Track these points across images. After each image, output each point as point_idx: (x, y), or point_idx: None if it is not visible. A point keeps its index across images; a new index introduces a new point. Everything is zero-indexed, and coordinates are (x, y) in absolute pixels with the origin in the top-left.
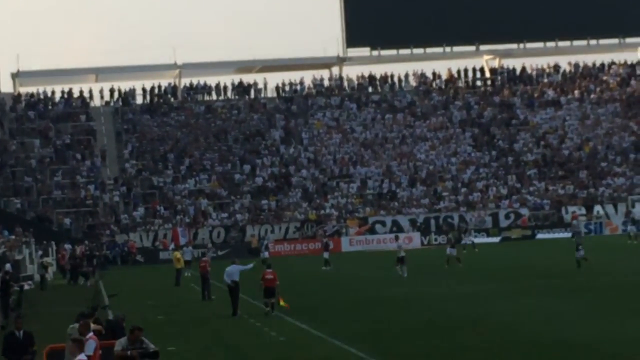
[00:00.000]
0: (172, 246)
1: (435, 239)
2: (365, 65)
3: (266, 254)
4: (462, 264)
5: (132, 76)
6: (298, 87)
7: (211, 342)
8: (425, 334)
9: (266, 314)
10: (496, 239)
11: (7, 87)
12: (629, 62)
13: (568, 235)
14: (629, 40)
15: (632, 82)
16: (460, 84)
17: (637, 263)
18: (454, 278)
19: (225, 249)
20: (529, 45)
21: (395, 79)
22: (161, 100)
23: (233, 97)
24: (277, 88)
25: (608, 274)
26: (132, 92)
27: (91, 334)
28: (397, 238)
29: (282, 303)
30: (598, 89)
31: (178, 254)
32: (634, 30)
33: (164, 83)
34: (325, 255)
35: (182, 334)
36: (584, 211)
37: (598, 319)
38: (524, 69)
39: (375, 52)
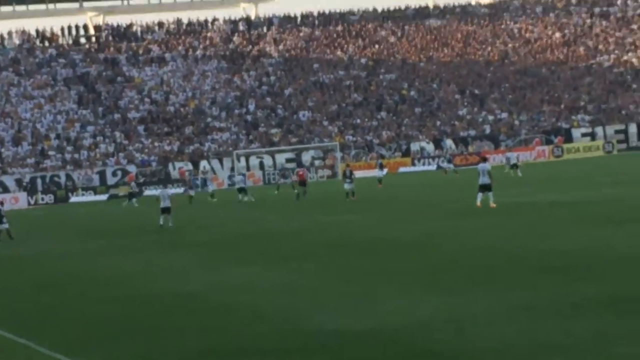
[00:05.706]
0: None
1: (42, 198)
2: None
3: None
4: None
5: None
6: None
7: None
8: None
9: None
10: (104, 197)
11: None
12: (232, 18)
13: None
14: None
15: (235, 38)
16: (65, 41)
17: (248, 215)
18: (63, 237)
19: None
20: (133, 2)
21: None
22: None
23: None
24: None
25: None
26: None
27: None
28: None
29: None
30: (202, 45)
31: None
32: None
33: None
34: None
35: None
36: (190, 166)
37: (208, 270)
38: (129, 25)
39: None
